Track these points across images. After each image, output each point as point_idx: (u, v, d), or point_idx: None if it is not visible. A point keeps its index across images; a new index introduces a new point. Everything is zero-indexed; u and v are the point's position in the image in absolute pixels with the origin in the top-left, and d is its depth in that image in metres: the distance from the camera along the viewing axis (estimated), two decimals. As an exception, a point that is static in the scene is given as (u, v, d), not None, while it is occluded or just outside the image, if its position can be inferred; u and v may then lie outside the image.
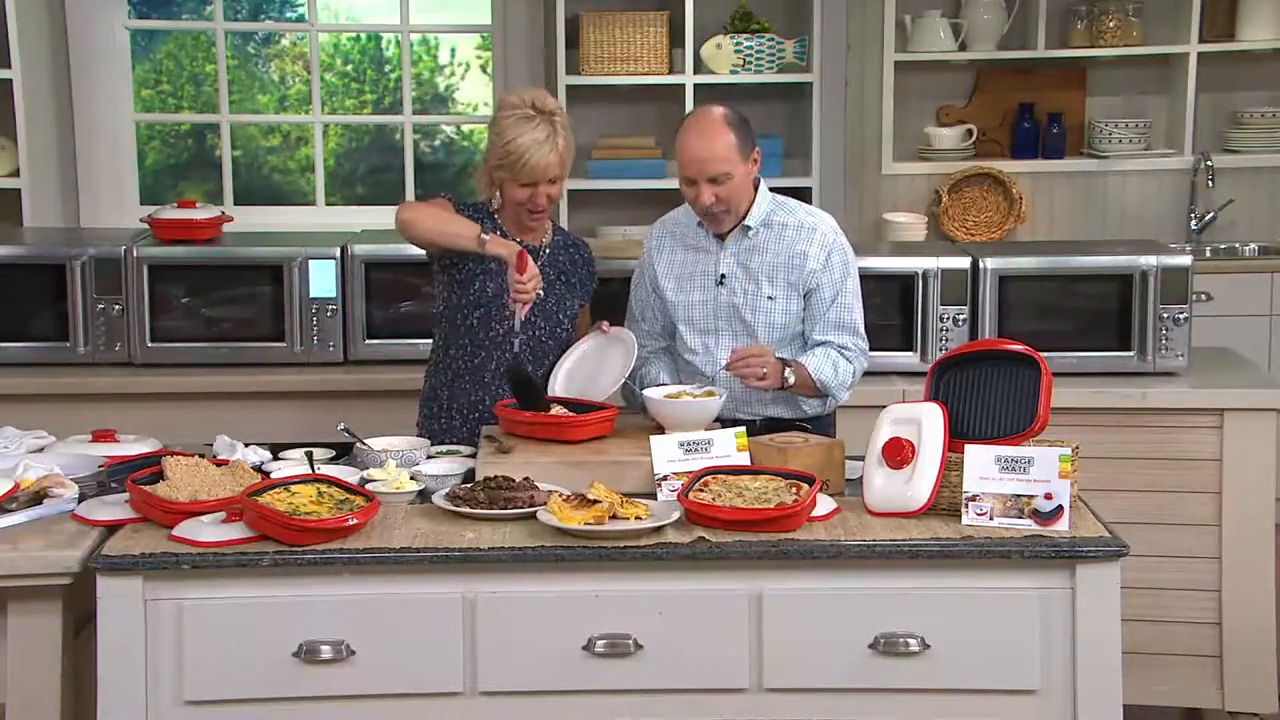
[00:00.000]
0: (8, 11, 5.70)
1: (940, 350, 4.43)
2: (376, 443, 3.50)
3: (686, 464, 3.20)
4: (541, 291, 3.61)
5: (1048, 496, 2.99)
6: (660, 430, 3.42)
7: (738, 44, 6.01)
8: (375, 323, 4.66)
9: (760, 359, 3.51)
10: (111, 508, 3.11)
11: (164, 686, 2.90)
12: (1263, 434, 4.28)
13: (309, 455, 3.41)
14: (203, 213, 4.79)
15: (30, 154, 5.77)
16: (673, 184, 5.54)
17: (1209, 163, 6.26)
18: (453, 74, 7.18)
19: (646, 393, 3.53)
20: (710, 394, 3.52)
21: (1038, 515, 2.99)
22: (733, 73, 6.02)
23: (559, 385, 3.72)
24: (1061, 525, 2.98)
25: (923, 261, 4.56)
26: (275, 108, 7.04)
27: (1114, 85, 6.47)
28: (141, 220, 4.87)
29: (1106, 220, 6.38)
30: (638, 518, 2.99)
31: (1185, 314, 4.48)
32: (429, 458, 3.48)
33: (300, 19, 6.88)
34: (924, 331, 4.54)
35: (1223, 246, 6.35)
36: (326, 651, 2.90)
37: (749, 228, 3.67)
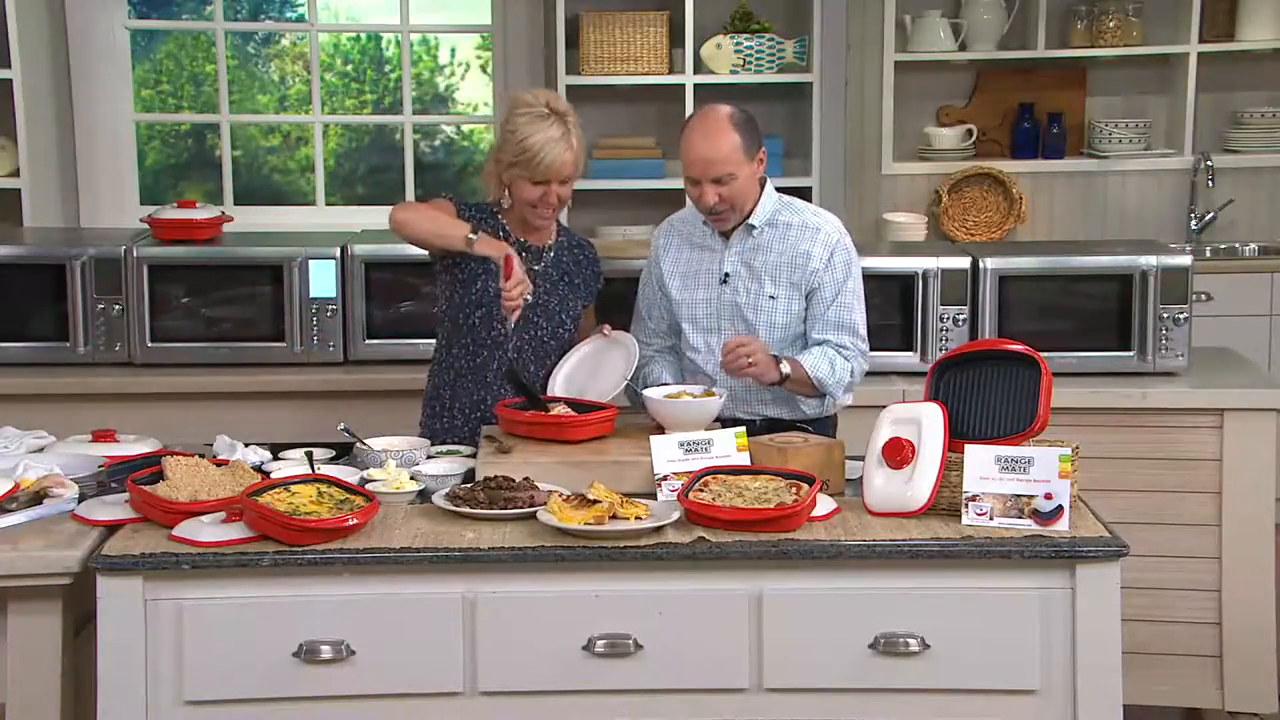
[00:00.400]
0: (8, 11, 5.69)
1: (940, 350, 4.42)
2: (376, 443, 3.50)
3: (686, 464, 3.20)
4: (530, 297, 3.62)
5: (1048, 496, 2.99)
6: (660, 430, 3.42)
7: (738, 44, 6.01)
8: (375, 323, 4.66)
9: (746, 346, 3.49)
10: (111, 508, 3.11)
11: (164, 686, 2.90)
12: (1263, 434, 4.27)
13: (309, 455, 3.41)
14: (203, 213, 4.79)
15: (30, 154, 5.76)
16: (673, 184, 5.55)
17: (1209, 163, 6.25)
18: (453, 74, 7.18)
19: (646, 393, 3.52)
20: (710, 394, 3.52)
21: (1038, 515, 2.99)
22: (733, 73, 6.01)
23: (558, 388, 3.72)
24: (1061, 525, 2.98)
25: (923, 261, 4.56)
26: (275, 108, 7.03)
27: (1114, 85, 6.46)
28: (141, 220, 4.87)
29: (1106, 220, 6.38)
30: (638, 518, 2.99)
31: (1185, 314, 4.48)
32: (429, 458, 3.48)
33: (300, 19, 6.88)
34: (924, 331, 4.54)
35: (1223, 246, 6.35)
36: (326, 651, 2.90)
37: (754, 227, 3.67)
